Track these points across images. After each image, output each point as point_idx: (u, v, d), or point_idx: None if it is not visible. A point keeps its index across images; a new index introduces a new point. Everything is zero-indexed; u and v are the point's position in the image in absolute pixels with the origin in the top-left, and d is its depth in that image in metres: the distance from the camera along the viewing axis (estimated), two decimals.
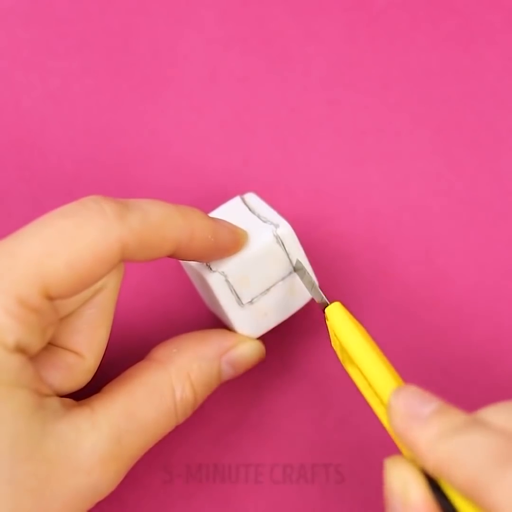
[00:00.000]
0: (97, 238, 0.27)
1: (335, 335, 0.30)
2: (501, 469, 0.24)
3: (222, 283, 0.32)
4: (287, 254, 0.33)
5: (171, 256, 0.30)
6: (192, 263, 0.33)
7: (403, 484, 0.27)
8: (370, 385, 0.30)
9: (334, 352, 0.32)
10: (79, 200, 0.29)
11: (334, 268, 0.37)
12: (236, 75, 0.40)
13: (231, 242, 0.32)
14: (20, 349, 0.27)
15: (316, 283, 0.33)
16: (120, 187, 0.39)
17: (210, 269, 0.32)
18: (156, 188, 0.39)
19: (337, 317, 0.31)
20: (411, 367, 0.36)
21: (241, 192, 0.36)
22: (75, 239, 0.27)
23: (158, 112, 0.40)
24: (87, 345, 0.30)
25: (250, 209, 0.34)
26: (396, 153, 0.39)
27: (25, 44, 0.41)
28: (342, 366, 0.35)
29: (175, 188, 0.39)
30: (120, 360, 0.35)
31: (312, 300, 0.35)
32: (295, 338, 0.36)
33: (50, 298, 0.27)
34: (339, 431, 0.34)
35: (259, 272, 0.33)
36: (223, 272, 0.32)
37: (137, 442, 0.29)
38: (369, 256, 0.37)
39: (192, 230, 0.30)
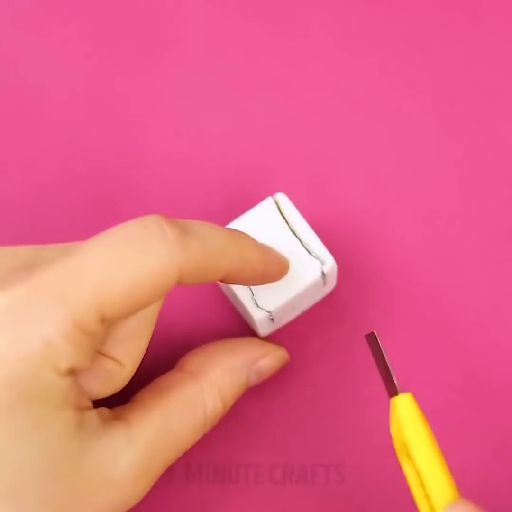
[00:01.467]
0: (159, 266, 0.27)
1: (399, 427, 0.29)
2: None
3: (266, 319, 0.33)
4: (325, 283, 0.34)
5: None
6: (236, 290, 0.33)
7: None
8: (423, 486, 0.29)
9: (390, 439, 0.31)
10: (140, 219, 0.28)
11: (334, 231, 0.37)
12: (235, 40, 0.40)
13: (277, 272, 0.32)
14: (71, 372, 0.27)
15: (392, 368, 0.31)
16: (120, 153, 0.39)
17: (257, 305, 0.33)
18: (156, 154, 0.39)
19: (406, 410, 0.29)
20: (410, 330, 0.36)
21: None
22: (138, 265, 0.27)
23: (158, 76, 0.40)
24: (128, 353, 0.30)
25: (290, 228, 0.34)
26: (396, 117, 0.39)
27: (24, 9, 0.41)
28: (343, 368, 0.35)
29: (175, 154, 0.39)
30: (148, 365, 0.36)
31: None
32: (296, 339, 0.36)
33: (104, 321, 0.27)
34: (339, 431, 0.34)
35: (298, 301, 0.34)
36: (271, 313, 0.33)
37: (168, 457, 0.30)
38: (369, 219, 0.37)
39: (245, 261, 0.30)
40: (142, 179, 0.38)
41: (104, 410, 0.29)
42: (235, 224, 0.34)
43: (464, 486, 0.33)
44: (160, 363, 0.33)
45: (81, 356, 0.27)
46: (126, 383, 0.30)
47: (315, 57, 0.40)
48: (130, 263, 0.27)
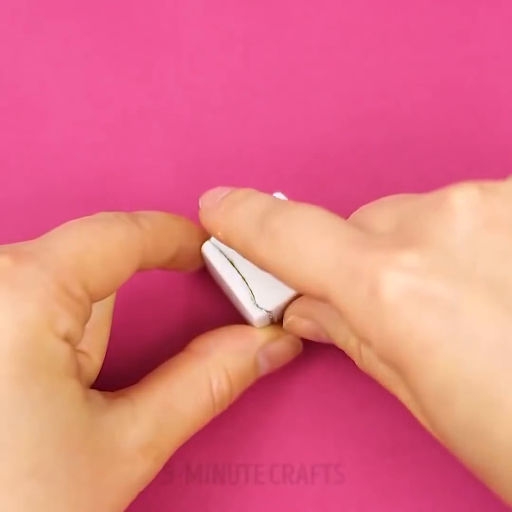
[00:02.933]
0: (124, 237, 0.29)
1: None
2: (262, 223, 0.27)
3: (266, 319, 0.33)
4: None
5: (174, 261, 0.32)
6: (235, 290, 0.33)
7: None
8: None
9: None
10: (92, 215, 0.30)
11: None
12: (235, 36, 0.40)
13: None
14: (68, 339, 0.27)
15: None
16: (121, 150, 0.39)
17: (257, 305, 0.33)
18: (156, 153, 0.39)
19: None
20: None
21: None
22: (106, 238, 0.29)
23: (158, 74, 0.40)
24: (93, 345, 0.31)
25: None
26: (396, 116, 0.39)
27: (24, 6, 0.41)
28: (343, 367, 0.35)
29: (175, 153, 0.39)
30: (158, 352, 0.36)
31: None
32: None
33: (87, 289, 0.28)
34: (339, 431, 0.34)
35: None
36: (270, 313, 0.33)
37: (176, 433, 0.30)
38: None
39: (190, 231, 0.33)
40: (142, 178, 0.38)
41: (105, 391, 0.30)
42: None
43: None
44: (158, 360, 0.33)
45: (73, 321, 0.27)
46: (96, 377, 0.31)
47: (314, 56, 0.40)
48: (100, 236, 0.29)
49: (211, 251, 0.33)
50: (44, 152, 0.39)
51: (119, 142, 0.39)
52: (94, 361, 0.30)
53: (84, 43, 0.40)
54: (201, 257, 0.34)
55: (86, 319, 0.28)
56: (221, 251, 0.33)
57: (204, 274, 0.36)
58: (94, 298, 0.28)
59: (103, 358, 0.31)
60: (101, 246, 0.28)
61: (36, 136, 0.39)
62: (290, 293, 0.33)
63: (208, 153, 0.39)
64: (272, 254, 0.27)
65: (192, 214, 0.38)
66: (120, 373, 0.35)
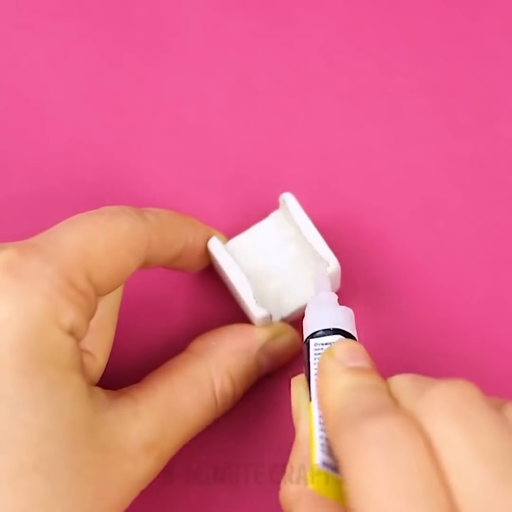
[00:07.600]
0: (128, 229, 0.29)
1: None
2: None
3: (267, 319, 0.33)
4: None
5: (179, 259, 0.33)
6: (239, 289, 0.33)
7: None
8: None
9: None
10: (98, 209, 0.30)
11: (334, 230, 0.37)
12: (236, 38, 0.40)
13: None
14: (72, 333, 0.27)
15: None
16: (121, 150, 0.39)
17: (259, 304, 0.33)
18: (157, 153, 0.39)
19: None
20: (410, 330, 0.36)
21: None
22: (110, 230, 0.29)
23: (158, 75, 0.40)
24: (97, 344, 0.30)
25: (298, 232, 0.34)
26: (396, 116, 0.39)
27: (25, 6, 0.41)
28: None
29: (176, 154, 0.39)
30: (159, 353, 0.36)
31: None
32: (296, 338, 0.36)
33: (92, 281, 0.28)
34: None
35: (301, 311, 0.34)
36: (282, 318, 0.34)
37: (179, 432, 0.30)
38: (369, 218, 0.38)
39: (196, 229, 0.33)
40: (143, 179, 0.38)
41: (108, 390, 0.30)
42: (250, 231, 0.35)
43: None
44: (160, 361, 0.33)
45: (78, 314, 0.27)
46: (100, 377, 0.31)
47: (315, 55, 0.40)
48: (104, 228, 0.29)
49: (217, 247, 0.33)
50: (44, 153, 0.39)
51: (119, 142, 0.39)
52: (98, 361, 0.30)
53: (84, 43, 0.40)
54: (206, 256, 0.34)
55: (91, 313, 0.28)
56: (226, 248, 0.34)
57: (206, 275, 0.36)
58: (99, 291, 0.28)
59: (107, 359, 0.31)
60: (105, 238, 0.28)
61: (36, 136, 0.39)
62: (293, 308, 0.34)
63: (209, 154, 0.39)
64: None
65: (192, 215, 0.38)
66: (122, 373, 0.35)
